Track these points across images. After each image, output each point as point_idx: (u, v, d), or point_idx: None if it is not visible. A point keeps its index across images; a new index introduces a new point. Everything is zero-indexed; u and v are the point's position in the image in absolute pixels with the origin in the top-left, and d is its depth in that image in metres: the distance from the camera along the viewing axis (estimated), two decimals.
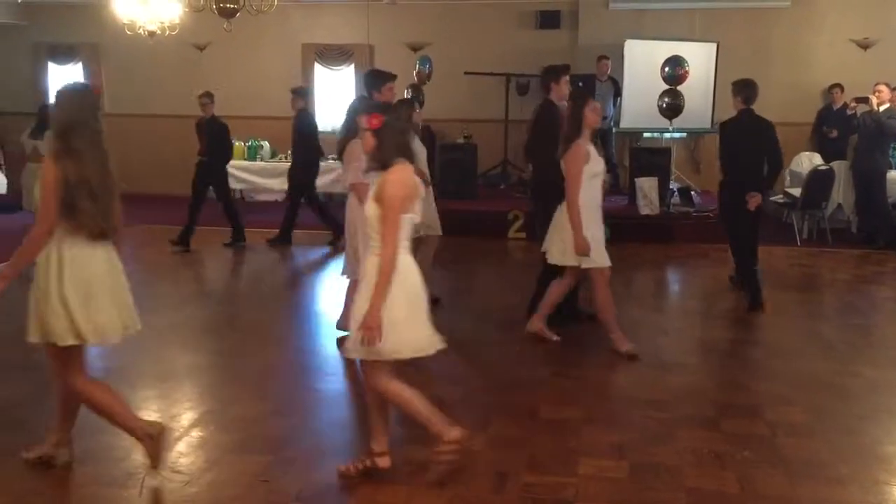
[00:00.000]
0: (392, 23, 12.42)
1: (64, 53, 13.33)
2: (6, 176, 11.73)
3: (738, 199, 6.73)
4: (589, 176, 5.43)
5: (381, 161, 3.63)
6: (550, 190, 5.87)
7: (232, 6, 8.28)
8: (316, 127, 9.69)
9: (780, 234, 10.01)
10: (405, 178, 3.59)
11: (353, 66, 12.72)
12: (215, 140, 9.08)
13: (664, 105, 10.25)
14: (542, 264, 6.14)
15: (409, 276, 3.62)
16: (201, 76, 12.70)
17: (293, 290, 7.74)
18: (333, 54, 12.77)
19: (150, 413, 4.64)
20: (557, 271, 6.12)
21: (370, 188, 5.31)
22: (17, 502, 3.61)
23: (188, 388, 5.16)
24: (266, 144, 11.83)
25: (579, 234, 5.36)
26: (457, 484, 3.78)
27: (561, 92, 6.17)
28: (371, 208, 3.57)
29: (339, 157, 5.68)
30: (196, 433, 4.36)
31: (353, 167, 5.42)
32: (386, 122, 3.61)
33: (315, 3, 12.58)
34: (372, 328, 3.48)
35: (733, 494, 3.73)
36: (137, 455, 4.05)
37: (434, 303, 6.75)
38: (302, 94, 9.52)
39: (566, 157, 5.48)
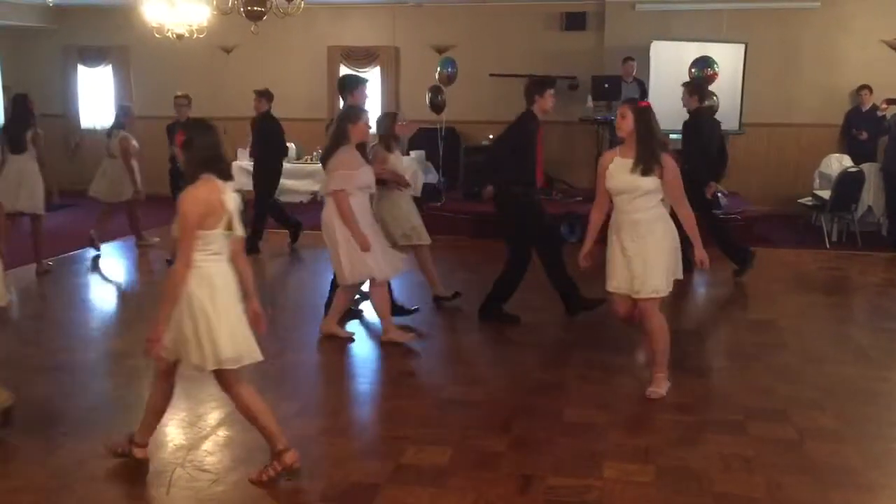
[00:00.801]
0: (418, 25, 12.45)
1: (93, 56, 13.50)
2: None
3: (701, 189, 7.69)
4: (614, 193, 4.84)
5: (187, 176, 3.65)
6: (508, 200, 6.17)
7: (259, 9, 8.31)
8: (282, 130, 9.17)
9: (809, 236, 9.91)
10: (200, 194, 3.55)
11: (378, 67, 12.76)
12: None
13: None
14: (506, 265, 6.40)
15: (219, 288, 3.62)
16: (228, 78, 12.81)
17: (315, 292, 7.75)
18: (359, 56, 12.82)
19: (177, 412, 4.68)
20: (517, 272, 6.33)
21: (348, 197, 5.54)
22: (46, 499, 3.65)
23: (214, 387, 5.15)
24: (292, 146, 11.87)
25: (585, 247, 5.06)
26: (481, 485, 3.78)
27: (545, 105, 6.21)
28: (174, 226, 3.62)
29: (324, 164, 5.81)
30: (222, 432, 4.39)
31: (337, 174, 5.58)
32: (189, 137, 3.64)
33: (341, 5, 12.64)
34: (152, 341, 3.55)
35: (762, 500, 3.69)
36: (164, 454, 4.11)
37: (455, 296, 6.82)
38: (268, 97, 9.03)
39: None
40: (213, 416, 4.62)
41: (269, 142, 9.02)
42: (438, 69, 11.20)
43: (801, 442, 4.28)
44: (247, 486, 3.78)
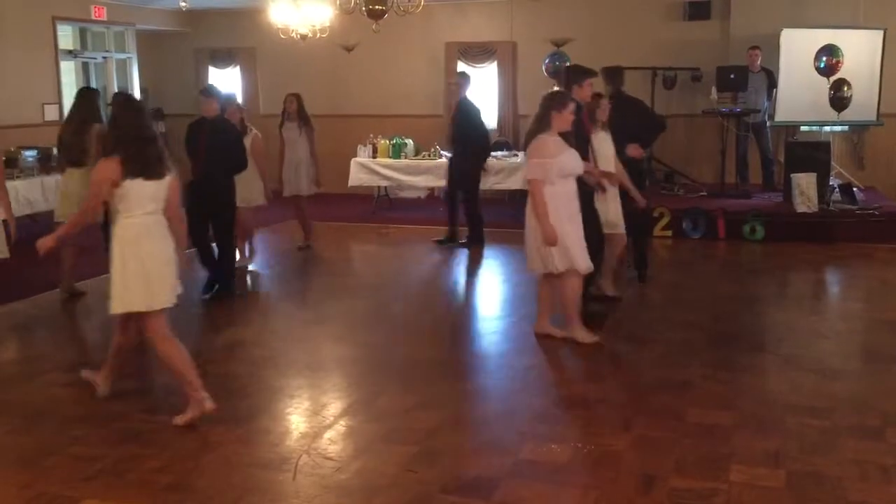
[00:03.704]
0: (535, 19, 12.36)
1: (223, 58, 14.07)
2: None
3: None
4: None
5: None
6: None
7: (380, 8, 8.46)
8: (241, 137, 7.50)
9: None
10: None
11: (495, 63, 12.76)
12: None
13: (834, 96, 9.73)
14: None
15: None
16: (349, 76, 13.11)
17: (437, 287, 7.86)
18: (476, 52, 12.86)
19: (301, 401, 4.84)
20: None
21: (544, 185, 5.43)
22: (180, 480, 3.83)
23: (337, 378, 5.33)
24: (410, 142, 12.08)
25: None
26: (602, 484, 3.72)
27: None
28: None
29: (525, 149, 5.69)
30: (345, 422, 4.49)
31: (531, 163, 5.46)
32: None
33: (459, 1, 12.70)
34: None
35: None
36: (290, 441, 4.24)
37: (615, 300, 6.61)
38: (219, 97, 7.24)
39: None
40: (336, 406, 4.73)
41: (231, 149, 7.13)
42: (546, 62, 11.14)
43: None
44: (368, 475, 3.86)
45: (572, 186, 5.57)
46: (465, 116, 9.03)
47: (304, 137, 8.86)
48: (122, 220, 4.26)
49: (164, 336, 4.40)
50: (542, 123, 5.48)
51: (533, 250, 5.64)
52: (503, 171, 11.14)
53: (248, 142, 7.74)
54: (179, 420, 4.40)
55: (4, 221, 5.82)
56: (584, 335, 5.69)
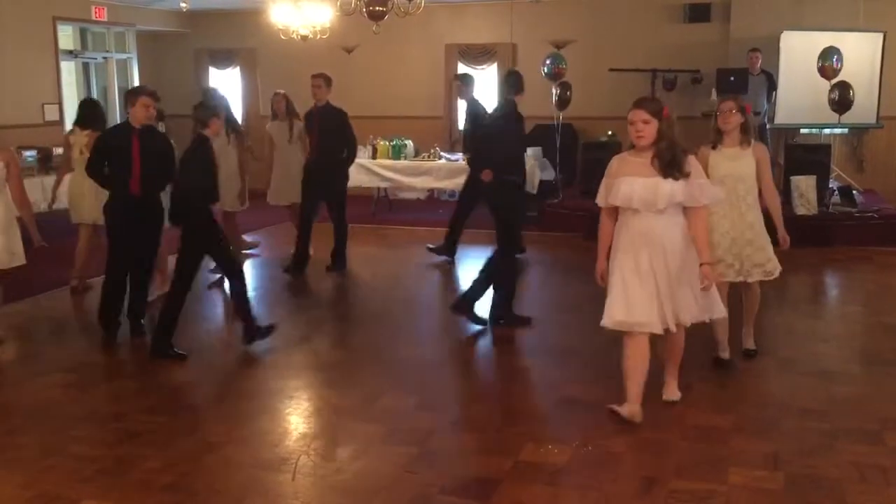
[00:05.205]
0: (535, 21, 12.37)
1: (223, 58, 14.08)
2: None
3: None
4: None
5: None
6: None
7: (381, 9, 8.46)
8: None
9: None
10: None
11: (495, 64, 12.77)
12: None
13: (839, 98, 9.73)
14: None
15: None
16: (350, 78, 13.10)
17: (436, 288, 7.85)
18: (476, 53, 12.87)
19: (301, 402, 4.85)
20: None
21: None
22: (180, 479, 3.84)
23: (338, 378, 5.33)
24: (410, 143, 12.08)
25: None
26: (602, 485, 3.73)
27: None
28: None
29: None
30: (344, 423, 4.50)
31: (602, 183, 4.38)
32: None
33: (459, 3, 12.72)
34: None
35: None
36: (290, 442, 4.25)
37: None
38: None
39: None
40: (336, 407, 4.74)
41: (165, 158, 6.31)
42: (549, 63, 11.13)
43: None
44: (368, 476, 3.86)
45: (649, 222, 4.20)
46: (324, 122, 8.01)
47: (233, 146, 7.82)
48: None
49: None
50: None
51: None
52: None
53: None
54: None
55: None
56: (671, 392, 4.72)
